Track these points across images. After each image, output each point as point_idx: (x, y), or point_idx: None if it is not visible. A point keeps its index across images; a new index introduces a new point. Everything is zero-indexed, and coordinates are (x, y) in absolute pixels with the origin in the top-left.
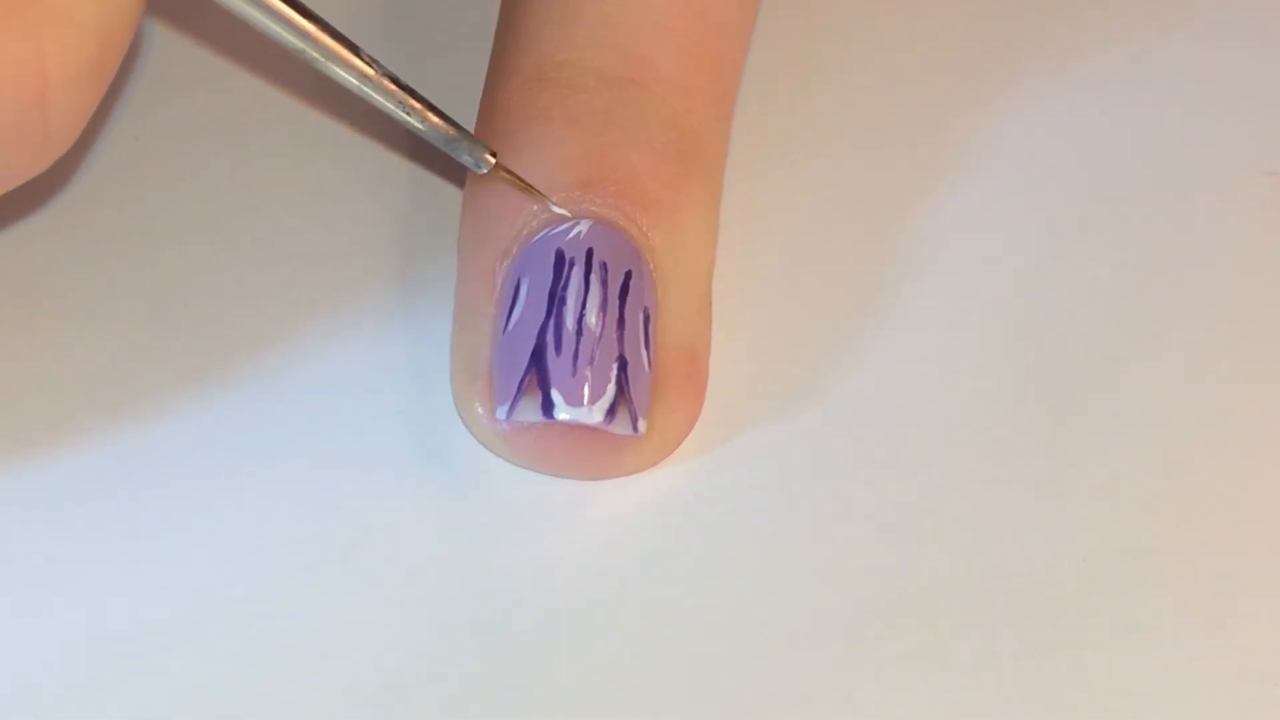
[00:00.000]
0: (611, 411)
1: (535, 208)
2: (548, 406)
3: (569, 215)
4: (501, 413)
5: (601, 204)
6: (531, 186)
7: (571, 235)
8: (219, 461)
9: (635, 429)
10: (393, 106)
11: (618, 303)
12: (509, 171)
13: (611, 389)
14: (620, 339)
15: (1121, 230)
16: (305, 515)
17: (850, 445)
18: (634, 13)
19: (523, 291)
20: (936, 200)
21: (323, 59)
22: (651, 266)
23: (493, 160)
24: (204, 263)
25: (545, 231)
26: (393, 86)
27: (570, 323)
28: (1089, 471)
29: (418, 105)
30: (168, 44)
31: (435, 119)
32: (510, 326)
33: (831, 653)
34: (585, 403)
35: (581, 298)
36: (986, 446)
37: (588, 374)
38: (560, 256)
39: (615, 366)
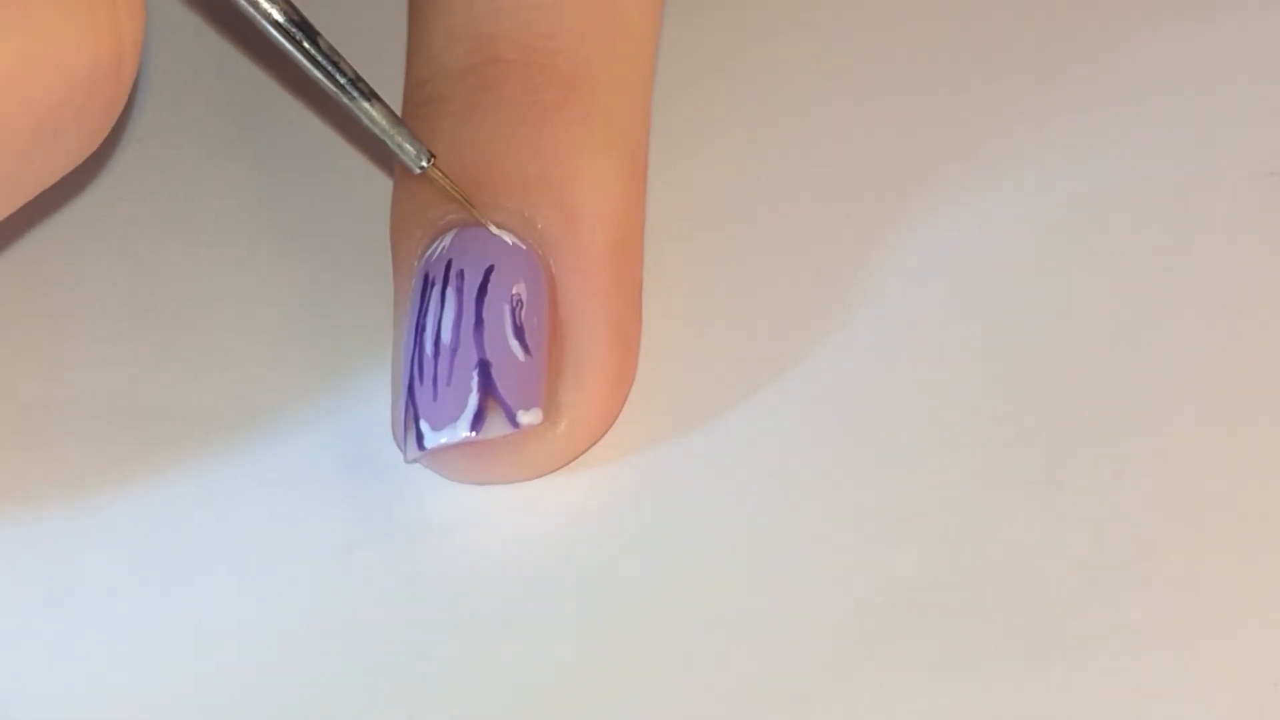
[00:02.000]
0: (478, 420)
1: (418, 232)
2: (419, 439)
3: (488, 223)
4: (405, 453)
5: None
6: (461, 195)
7: (436, 254)
8: (218, 463)
9: (515, 424)
10: (337, 91)
11: (474, 305)
12: (444, 174)
13: (473, 399)
14: (479, 342)
15: (1121, 230)
16: (303, 515)
17: (845, 443)
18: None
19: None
20: (934, 198)
21: (275, 33)
22: (531, 245)
23: (425, 166)
24: (204, 262)
25: (426, 254)
26: (338, 73)
27: (429, 347)
28: (1089, 471)
29: (364, 92)
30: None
31: (377, 111)
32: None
33: (828, 653)
34: (448, 423)
35: (438, 317)
36: (985, 445)
37: (446, 393)
38: (425, 280)
39: (475, 373)
